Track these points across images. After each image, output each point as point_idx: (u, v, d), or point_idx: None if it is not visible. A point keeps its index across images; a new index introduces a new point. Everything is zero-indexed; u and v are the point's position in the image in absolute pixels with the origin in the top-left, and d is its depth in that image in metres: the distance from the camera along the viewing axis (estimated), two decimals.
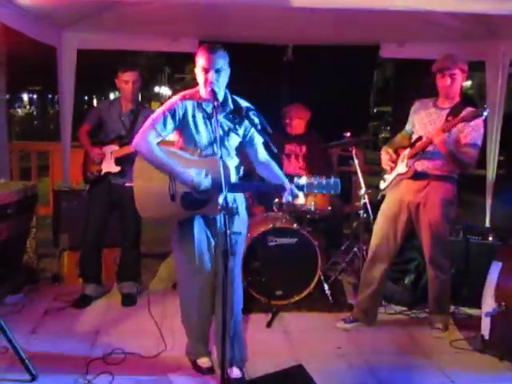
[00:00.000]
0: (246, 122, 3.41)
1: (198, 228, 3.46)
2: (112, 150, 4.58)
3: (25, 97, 29.75)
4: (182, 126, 3.37)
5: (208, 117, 3.36)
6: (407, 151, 4.21)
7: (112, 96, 22.31)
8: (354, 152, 5.06)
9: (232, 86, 3.46)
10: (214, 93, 3.23)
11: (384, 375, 3.69)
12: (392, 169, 4.31)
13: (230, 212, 3.02)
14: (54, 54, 5.56)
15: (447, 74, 4.04)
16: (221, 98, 3.33)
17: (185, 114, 3.34)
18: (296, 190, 3.30)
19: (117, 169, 4.58)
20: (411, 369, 3.82)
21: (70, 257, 5.13)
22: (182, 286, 3.69)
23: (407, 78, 10.08)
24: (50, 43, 5.41)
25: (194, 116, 3.36)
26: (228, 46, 3.37)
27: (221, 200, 3.03)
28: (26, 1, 4.28)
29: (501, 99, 5.50)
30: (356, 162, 5.06)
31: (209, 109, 3.34)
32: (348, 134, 5.28)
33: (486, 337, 3.91)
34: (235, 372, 3.53)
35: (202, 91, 3.34)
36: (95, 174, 4.66)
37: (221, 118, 3.31)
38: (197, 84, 3.37)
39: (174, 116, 3.33)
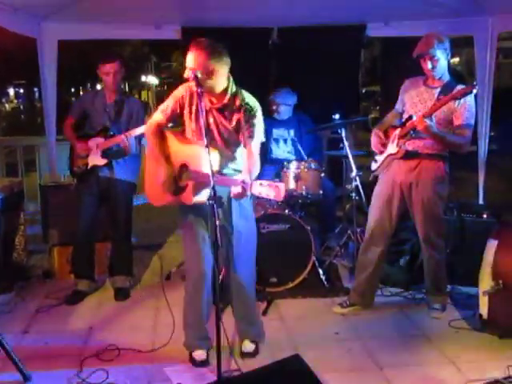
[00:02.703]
0: (240, 116, 3.39)
1: (195, 215, 3.48)
2: (97, 142, 4.48)
3: (11, 91, 29.55)
4: (182, 115, 3.49)
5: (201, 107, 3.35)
6: (398, 131, 4.14)
7: (99, 87, 22.17)
8: (343, 134, 5.00)
9: None
10: (196, 79, 3.21)
11: (383, 359, 3.65)
12: (383, 151, 4.26)
13: (218, 203, 2.96)
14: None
15: (427, 58, 3.97)
16: (219, 90, 3.36)
17: (184, 103, 3.45)
18: (239, 190, 3.05)
19: (103, 161, 4.48)
20: (410, 351, 3.78)
21: (60, 252, 5.06)
22: (186, 272, 3.73)
23: (395, 56, 9.99)
24: (30, 35, 5.30)
25: (191, 105, 3.44)
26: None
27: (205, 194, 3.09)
28: None
29: (490, 74, 5.46)
30: (346, 143, 5.00)
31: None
32: (337, 116, 5.24)
33: (484, 315, 3.87)
34: (249, 346, 3.67)
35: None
36: (82, 167, 4.57)
37: (215, 110, 3.41)
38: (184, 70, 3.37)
39: (175, 104, 3.47)
